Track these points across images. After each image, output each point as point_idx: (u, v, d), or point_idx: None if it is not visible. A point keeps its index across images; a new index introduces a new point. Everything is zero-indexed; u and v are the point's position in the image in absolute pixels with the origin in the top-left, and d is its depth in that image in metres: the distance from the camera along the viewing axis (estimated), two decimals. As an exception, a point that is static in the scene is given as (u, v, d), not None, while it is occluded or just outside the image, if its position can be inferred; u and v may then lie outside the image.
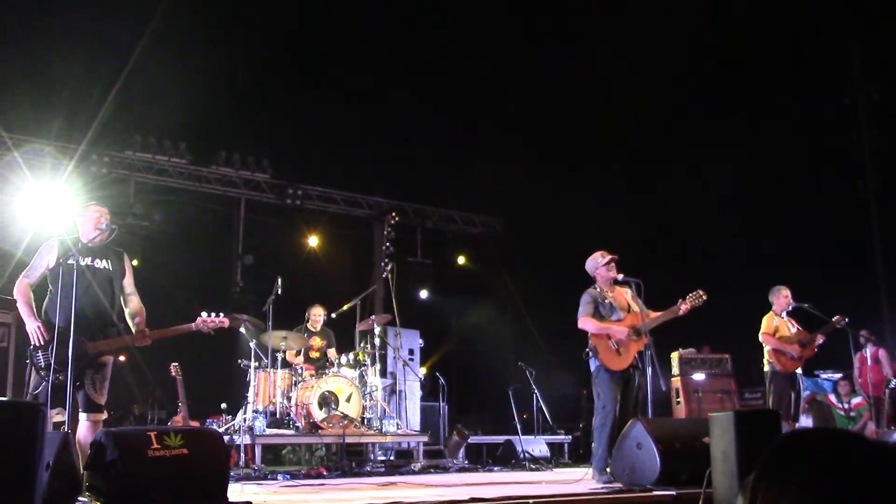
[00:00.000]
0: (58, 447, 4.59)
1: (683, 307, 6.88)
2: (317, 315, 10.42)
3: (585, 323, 6.87)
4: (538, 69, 13.64)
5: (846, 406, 11.14)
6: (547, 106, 13.96)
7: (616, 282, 7.06)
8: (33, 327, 5.61)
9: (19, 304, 5.76)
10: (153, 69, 10.93)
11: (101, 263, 5.94)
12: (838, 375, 11.29)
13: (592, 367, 6.92)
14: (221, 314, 6.21)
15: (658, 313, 6.93)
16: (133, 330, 5.99)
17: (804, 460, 0.88)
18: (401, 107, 13.85)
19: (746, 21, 12.82)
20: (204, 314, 6.14)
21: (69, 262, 5.64)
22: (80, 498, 4.73)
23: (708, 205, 12.88)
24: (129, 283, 6.09)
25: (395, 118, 13.87)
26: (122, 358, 12.83)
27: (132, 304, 6.04)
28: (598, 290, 7.03)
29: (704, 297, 6.88)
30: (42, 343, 5.58)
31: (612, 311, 6.96)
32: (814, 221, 13.11)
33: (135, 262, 12.42)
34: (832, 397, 11.27)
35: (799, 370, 8.47)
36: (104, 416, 5.81)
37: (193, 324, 6.10)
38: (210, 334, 6.24)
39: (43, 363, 5.55)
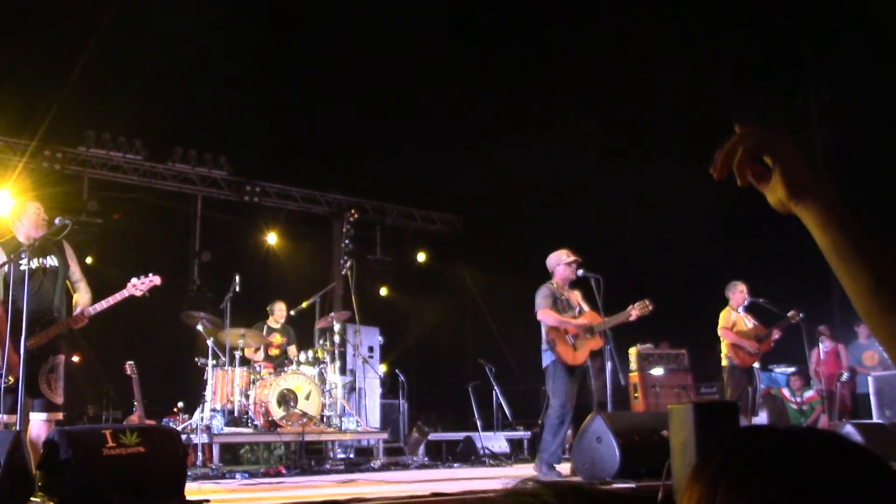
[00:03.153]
0: (9, 447, 4.49)
1: (634, 313, 6.96)
2: (280, 310, 10.35)
3: (546, 315, 6.88)
4: (499, 67, 13.66)
5: (799, 400, 11.34)
6: (507, 101, 13.99)
7: (571, 283, 7.13)
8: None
9: None
10: (108, 63, 10.73)
11: (49, 261, 5.79)
12: (791, 370, 11.49)
13: (547, 362, 6.92)
14: (151, 274, 6.02)
15: (609, 317, 7.00)
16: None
17: (761, 459, 0.91)
18: (359, 103, 13.78)
19: (696, 21, 12.97)
20: (134, 279, 5.96)
21: (20, 263, 5.50)
22: (32, 498, 4.62)
23: (664, 203, 13.01)
24: (75, 270, 5.95)
25: (354, 115, 13.79)
26: (75, 358, 12.62)
27: (80, 292, 5.88)
28: (555, 285, 7.07)
29: (650, 308, 6.99)
30: None
31: (569, 308, 7.01)
32: (767, 219, 13.30)
33: (88, 260, 12.30)
34: (785, 391, 11.47)
35: (756, 364, 8.60)
36: (59, 416, 5.68)
37: (125, 289, 5.91)
38: (145, 296, 6.06)
39: None
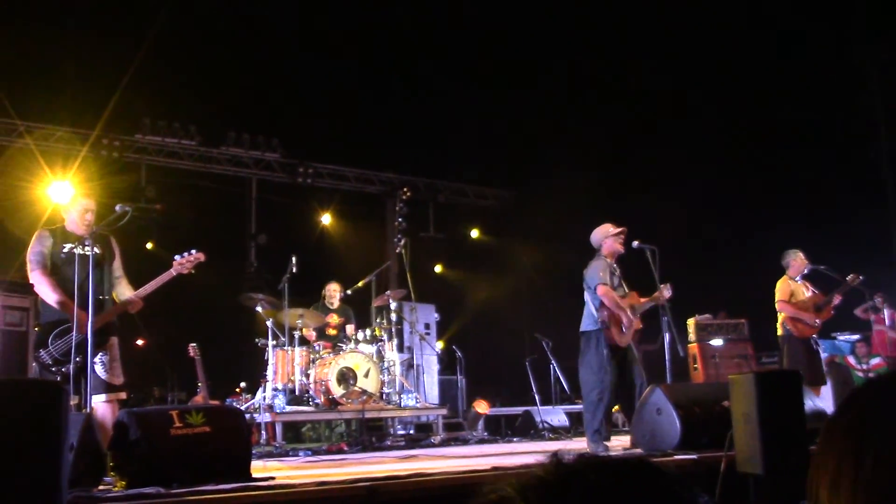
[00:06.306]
0: (81, 428, 4.63)
1: (665, 294, 6.87)
2: (333, 291, 10.43)
3: (606, 293, 6.70)
4: (546, 40, 13.52)
5: (865, 367, 11.11)
6: (557, 75, 13.85)
7: (620, 256, 7.02)
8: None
9: (49, 292, 5.63)
10: (162, 51, 10.89)
11: (94, 250, 5.90)
12: (856, 337, 11.25)
13: (587, 328, 6.82)
14: (194, 250, 6.02)
15: (643, 300, 6.92)
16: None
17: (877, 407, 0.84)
18: (409, 82, 13.77)
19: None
20: (178, 256, 5.98)
21: (65, 251, 5.64)
22: (105, 478, 4.77)
23: (721, 169, 12.80)
24: (118, 266, 6.03)
25: (404, 93, 13.79)
26: (139, 342, 12.94)
27: (121, 287, 5.98)
28: (608, 261, 6.95)
29: (668, 294, 6.88)
30: (44, 337, 5.56)
31: (620, 285, 6.92)
32: (827, 184, 13.00)
33: (149, 246, 12.57)
34: (850, 359, 11.24)
35: (815, 335, 8.41)
36: (123, 395, 5.82)
37: (172, 269, 5.95)
38: (191, 273, 6.08)
39: (49, 360, 5.50)
